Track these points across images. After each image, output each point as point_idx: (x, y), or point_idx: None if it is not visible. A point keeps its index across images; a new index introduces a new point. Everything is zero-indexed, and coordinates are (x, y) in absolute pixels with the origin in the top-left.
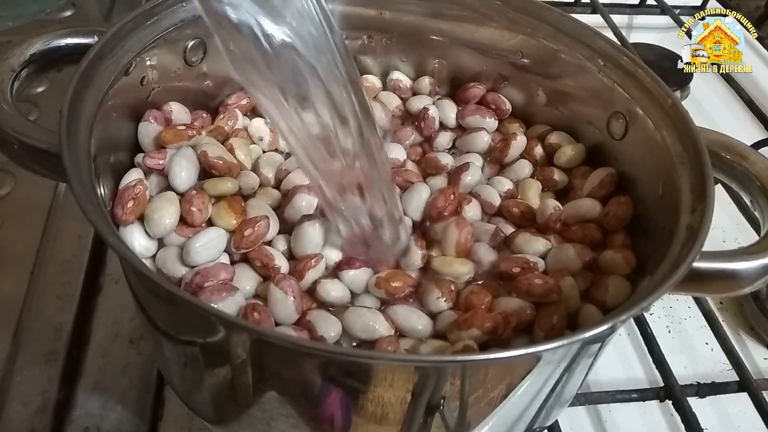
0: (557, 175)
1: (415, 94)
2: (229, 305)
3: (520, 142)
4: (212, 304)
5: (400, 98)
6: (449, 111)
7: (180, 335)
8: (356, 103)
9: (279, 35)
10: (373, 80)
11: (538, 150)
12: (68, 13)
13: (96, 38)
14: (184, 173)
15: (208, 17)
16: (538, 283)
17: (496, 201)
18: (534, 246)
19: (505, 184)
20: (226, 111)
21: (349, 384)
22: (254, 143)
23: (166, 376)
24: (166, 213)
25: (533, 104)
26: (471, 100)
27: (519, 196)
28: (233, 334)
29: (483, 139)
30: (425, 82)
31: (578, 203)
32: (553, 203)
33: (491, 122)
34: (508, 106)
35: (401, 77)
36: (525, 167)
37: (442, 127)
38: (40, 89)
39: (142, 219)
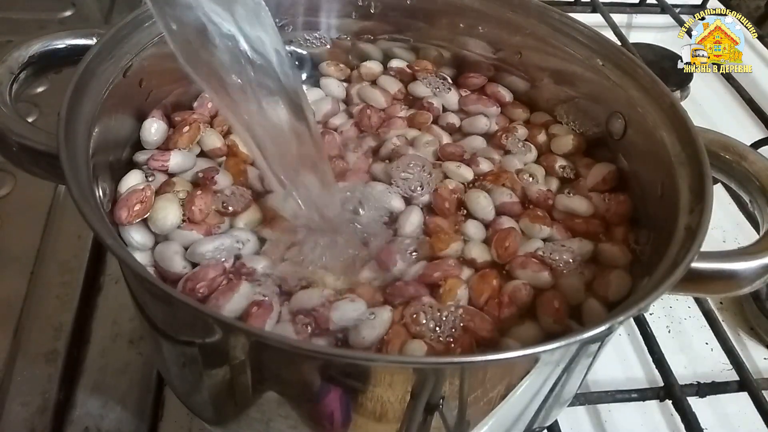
0: (560, 163)
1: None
2: (237, 301)
3: (520, 134)
4: (222, 307)
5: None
6: (451, 99)
7: (179, 336)
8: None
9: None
10: (372, 66)
11: (542, 137)
12: (68, 13)
13: (95, 39)
14: None
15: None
16: (535, 262)
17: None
18: (535, 231)
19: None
20: None
21: (347, 385)
22: None
23: (166, 377)
24: (170, 212)
25: (535, 93)
26: (471, 87)
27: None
28: (231, 335)
29: (483, 122)
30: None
31: (574, 200)
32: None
33: (493, 110)
34: (509, 98)
35: (402, 64)
36: (529, 153)
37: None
38: (39, 89)
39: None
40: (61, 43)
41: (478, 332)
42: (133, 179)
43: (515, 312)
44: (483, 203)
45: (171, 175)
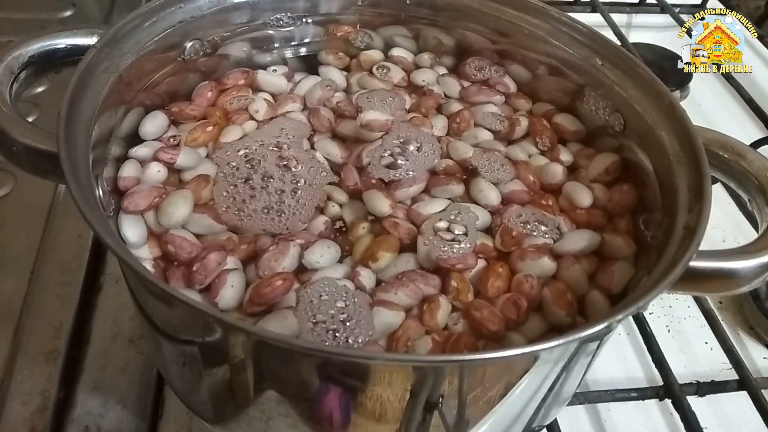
0: (563, 155)
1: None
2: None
3: (523, 126)
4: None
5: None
6: (453, 87)
7: (178, 335)
8: None
9: None
10: (372, 54)
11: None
12: (68, 13)
13: (95, 38)
14: None
15: None
16: (531, 250)
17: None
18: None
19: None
20: (228, 91)
21: (347, 383)
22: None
23: (165, 376)
24: (181, 207)
25: (537, 84)
26: (470, 75)
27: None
28: (231, 334)
29: (492, 110)
30: (425, 57)
31: (576, 190)
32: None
33: (497, 98)
34: (513, 89)
35: (403, 53)
36: (533, 145)
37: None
38: (40, 89)
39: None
40: (61, 43)
41: (485, 324)
42: (130, 169)
43: (529, 312)
44: (485, 190)
45: (177, 169)
